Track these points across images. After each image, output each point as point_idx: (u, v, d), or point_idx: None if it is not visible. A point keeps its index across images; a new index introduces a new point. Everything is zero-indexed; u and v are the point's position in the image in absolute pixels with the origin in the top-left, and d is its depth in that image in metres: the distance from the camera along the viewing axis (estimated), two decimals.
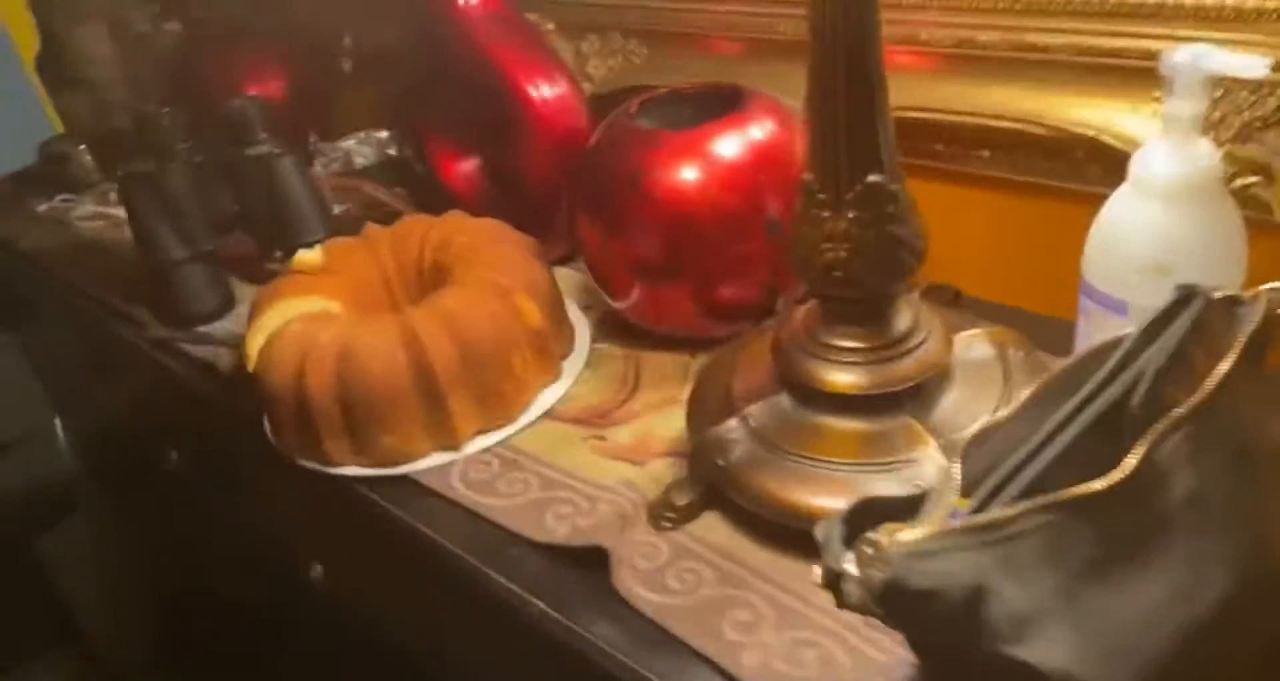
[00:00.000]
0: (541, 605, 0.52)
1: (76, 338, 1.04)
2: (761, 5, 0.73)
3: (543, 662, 0.53)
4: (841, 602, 0.37)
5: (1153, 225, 0.48)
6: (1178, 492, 0.36)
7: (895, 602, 0.35)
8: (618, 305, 0.69)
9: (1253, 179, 0.53)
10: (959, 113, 0.62)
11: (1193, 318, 0.38)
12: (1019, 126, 0.61)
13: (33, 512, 1.91)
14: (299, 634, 0.91)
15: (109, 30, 1.13)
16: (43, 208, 1.11)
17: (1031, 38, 0.59)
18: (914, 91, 0.63)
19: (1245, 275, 0.49)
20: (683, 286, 0.64)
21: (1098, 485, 0.35)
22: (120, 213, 1.04)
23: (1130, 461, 0.34)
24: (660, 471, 0.58)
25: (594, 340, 0.71)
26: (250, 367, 0.65)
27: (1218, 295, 0.38)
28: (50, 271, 1.00)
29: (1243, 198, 0.53)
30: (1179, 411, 0.35)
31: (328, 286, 0.68)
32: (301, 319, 0.64)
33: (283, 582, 0.82)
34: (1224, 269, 0.48)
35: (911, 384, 0.50)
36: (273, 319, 0.65)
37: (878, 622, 0.37)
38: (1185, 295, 0.39)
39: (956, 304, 0.65)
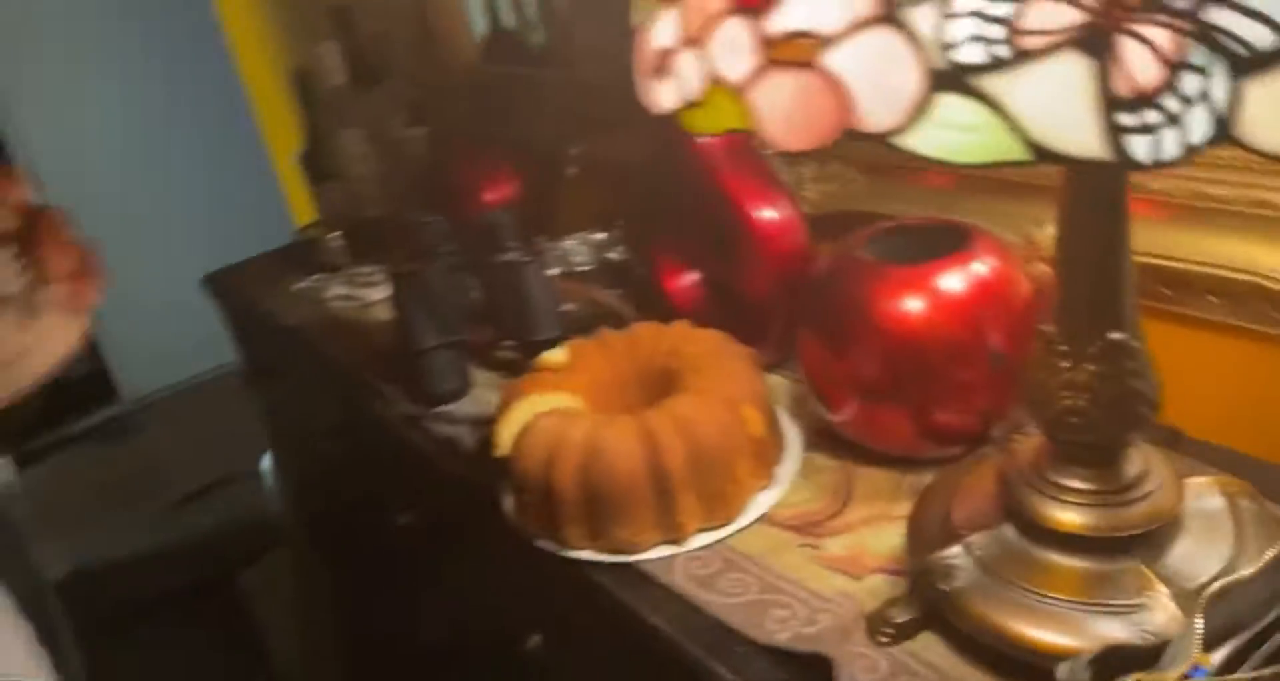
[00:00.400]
0: None
1: (318, 402, 1.17)
2: None
3: None
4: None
5: None
6: None
7: None
8: (832, 418, 0.73)
9: None
10: (1189, 260, 0.64)
11: None
12: (1250, 278, 0.62)
13: (238, 548, 2.10)
14: None
15: (368, 135, 1.29)
16: (296, 286, 1.27)
17: (1264, 195, 0.62)
18: (1145, 237, 0.66)
19: None
20: (902, 409, 0.68)
21: None
22: (366, 295, 1.18)
23: None
24: (876, 586, 0.62)
25: (805, 449, 0.76)
26: (500, 452, 0.73)
27: None
28: (304, 343, 1.13)
29: None
30: None
31: (570, 384, 0.76)
32: (551, 414, 0.71)
33: (491, 646, 0.89)
34: None
35: (1140, 530, 0.52)
36: (523, 411, 0.73)
37: None
38: None
39: (1177, 444, 0.66)
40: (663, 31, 0.40)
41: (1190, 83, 0.27)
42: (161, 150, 2.49)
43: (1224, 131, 0.28)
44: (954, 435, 0.69)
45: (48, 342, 0.47)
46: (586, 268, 1.10)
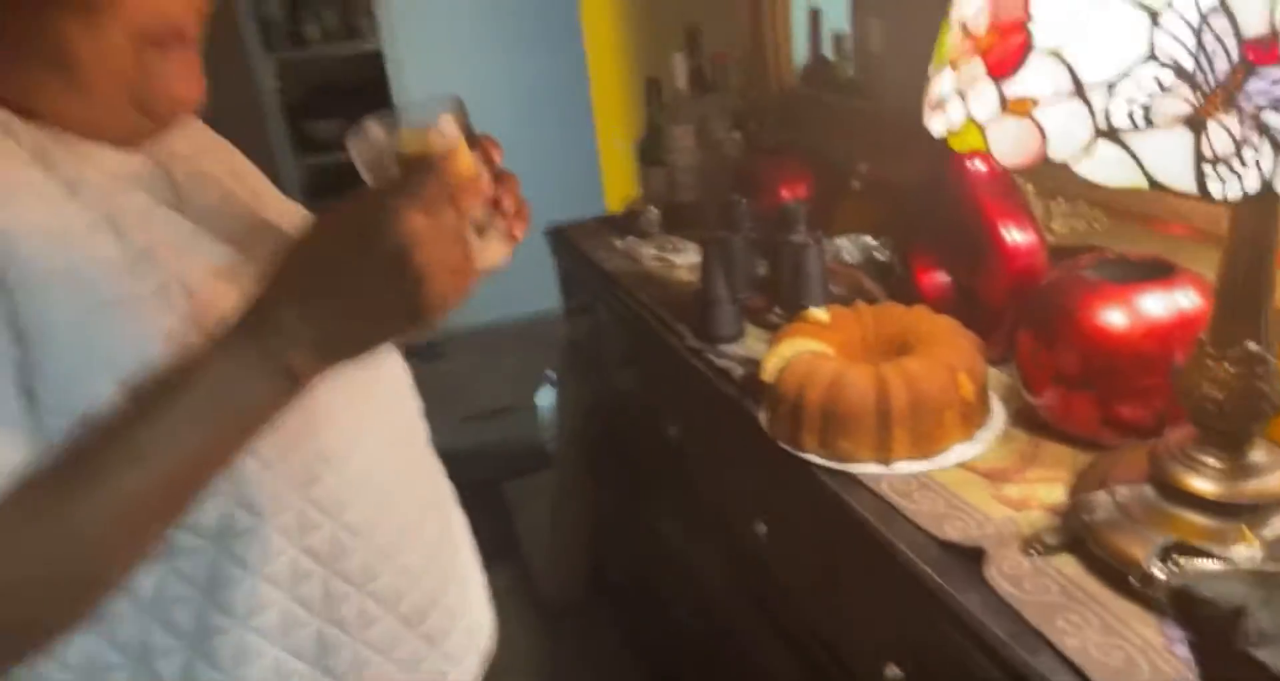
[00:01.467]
0: (933, 574, 0.76)
1: (621, 337, 1.47)
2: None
3: (922, 608, 0.78)
4: (1147, 596, 0.58)
5: None
6: None
7: (1181, 603, 0.56)
8: (1033, 401, 0.91)
9: None
10: None
11: None
12: None
13: (508, 464, 2.51)
14: (727, 580, 1.23)
15: (695, 132, 1.59)
16: (619, 244, 1.59)
17: None
18: None
19: None
20: (1092, 398, 0.85)
21: None
22: (672, 258, 1.47)
23: None
24: (1035, 518, 0.80)
25: (1007, 424, 0.94)
26: (765, 377, 0.98)
27: None
28: (620, 286, 1.44)
29: None
30: None
31: (825, 336, 0.99)
32: (810, 353, 0.95)
33: (726, 536, 1.14)
34: None
35: (1249, 502, 0.68)
36: (788, 349, 0.97)
37: (1174, 648, 0.57)
38: None
39: None
40: (943, 82, 0.62)
41: (1249, 154, 0.46)
42: (515, 120, 2.97)
43: (1269, 186, 0.46)
44: (1131, 427, 0.85)
45: (487, 257, 0.59)
46: (854, 262, 1.32)
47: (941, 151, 0.69)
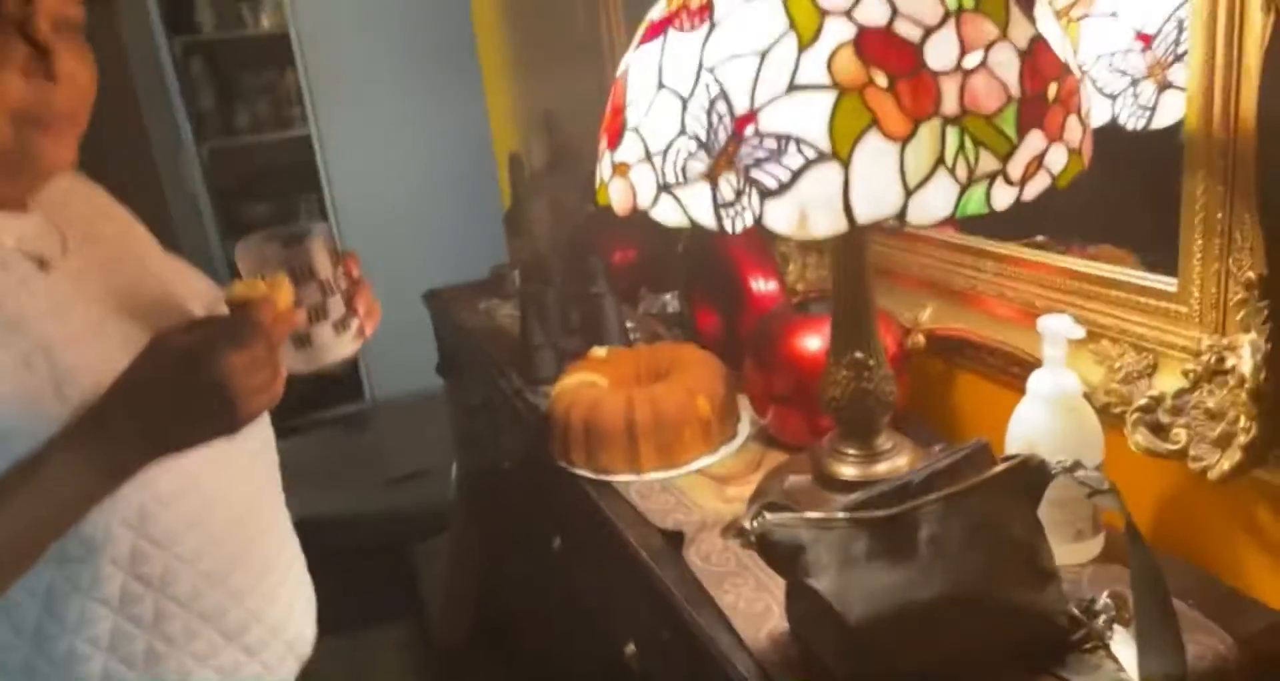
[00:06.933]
0: (645, 556, 0.92)
1: (478, 389, 1.64)
2: (912, 251, 1.11)
3: (639, 587, 0.93)
4: (744, 544, 0.73)
5: (1027, 420, 0.79)
6: (925, 532, 0.69)
7: (763, 545, 0.72)
8: (759, 420, 1.08)
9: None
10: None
11: (966, 454, 0.71)
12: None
13: (421, 525, 2.63)
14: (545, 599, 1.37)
15: (550, 204, 1.79)
16: (481, 305, 1.76)
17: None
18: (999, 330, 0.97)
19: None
20: (798, 412, 1.03)
21: (878, 514, 0.69)
22: None
23: (896, 509, 0.68)
24: (741, 510, 0.96)
25: (748, 439, 1.11)
26: (546, 404, 1.14)
27: (982, 441, 0.71)
28: (474, 342, 1.61)
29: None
30: (934, 494, 0.69)
31: (603, 369, 1.16)
32: (580, 383, 1.12)
33: (543, 555, 1.29)
34: (1075, 450, 0.77)
35: (885, 478, 0.84)
36: (567, 380, 1.14)
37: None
38: (973, 444, 0.72)
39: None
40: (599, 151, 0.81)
41: (745, 199, 0.65)
42: (428, 190, 3.16)
43: (759, 221, 0.65)
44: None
45: (342, 350, 0.74)
46: (674, 312, 1.50)
47: None
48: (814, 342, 1.01)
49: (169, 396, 0.64)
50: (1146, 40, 0.83)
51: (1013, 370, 0.96)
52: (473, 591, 2.10)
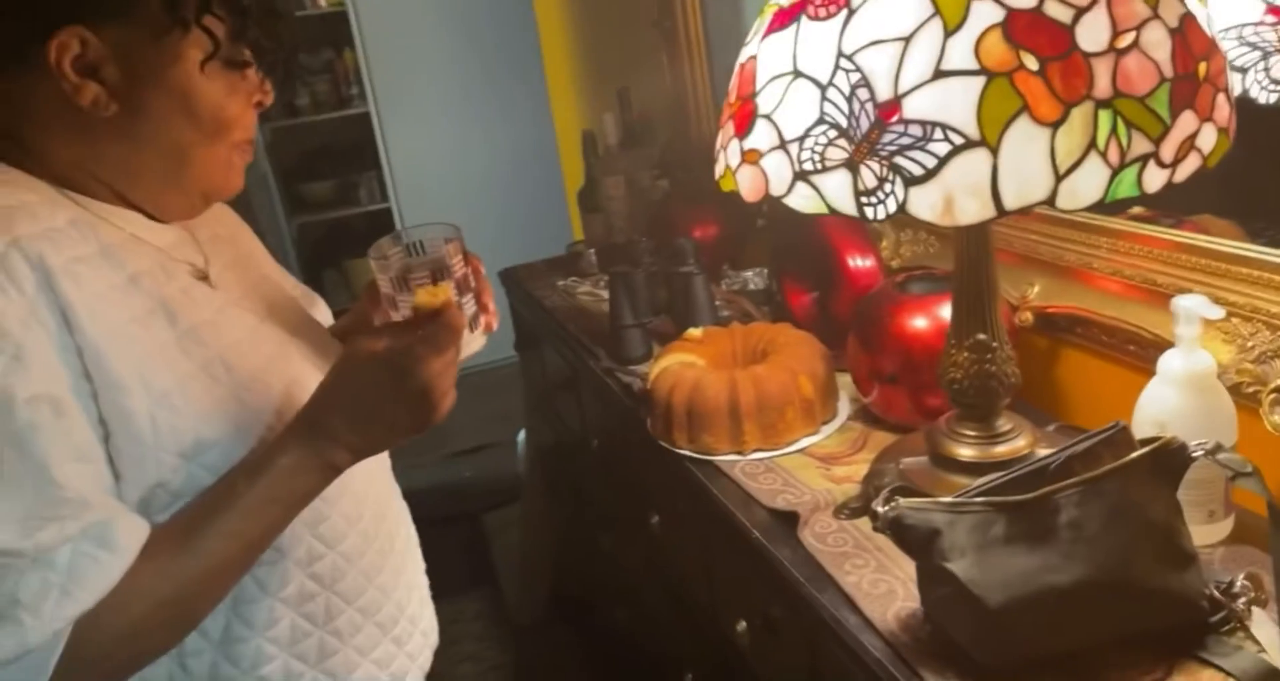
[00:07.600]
0: (758, 535, 0.93)
1: (560, 367, 1.65)
2: (1018, 228, 1.10)
3: (750, 566, 0.94)
4: (875, 528, 0.74)
5: (1158, 400, 0.79)
6: (1064, 516, 0.69)
7: (896, 528, 0.72)
8: (862, 398, 1.08)
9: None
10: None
11: (1105, 438, 0.71)
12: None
13: (487, 497, 2.67)
14: (644, 572, 1.39)
15: (625, 181, 1.79)
16: (559, 283, 1.77)
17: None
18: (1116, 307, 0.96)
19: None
20: (904, 391, 1.02)
21: (1015, 499, 0.69)
22: (603, 293, 1.65)
23: (1033, 494, 0.68)
24: (850, 490, 0.97)
25: (849, 418, 1.11)
26: (644, 385, 1.15)
27: (1121, 424, 0.71)
28: (555, 320, 1.63)
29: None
30: (1073, 478, 0.68)
31: (699, 350, 1.17)
32: (679, 364, 1.13)
33: (636, 533, 1.30)
34: (1208, 431, 0.76)
35: (1004, 461, 0.84)
36: (665, 361, 1.15)
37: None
38: (1112, 427, 0.71)
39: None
40: (719, 138, 0.81)
41: (888, 187, 0.64)
42: (491, 170, 3.18)
43: (902, 209, 0.64)
44: (939, 413, 1.01)
45: (472, 346, 0.76)
46: (758, 288, 1.50)
47: None
48: (921, 322, 1.01)
49: (379, 402, 0.69)
50: (1278, 13, 0.81)
51: (1128, 348, 0.95)
52: (549, 566, 2.14)
